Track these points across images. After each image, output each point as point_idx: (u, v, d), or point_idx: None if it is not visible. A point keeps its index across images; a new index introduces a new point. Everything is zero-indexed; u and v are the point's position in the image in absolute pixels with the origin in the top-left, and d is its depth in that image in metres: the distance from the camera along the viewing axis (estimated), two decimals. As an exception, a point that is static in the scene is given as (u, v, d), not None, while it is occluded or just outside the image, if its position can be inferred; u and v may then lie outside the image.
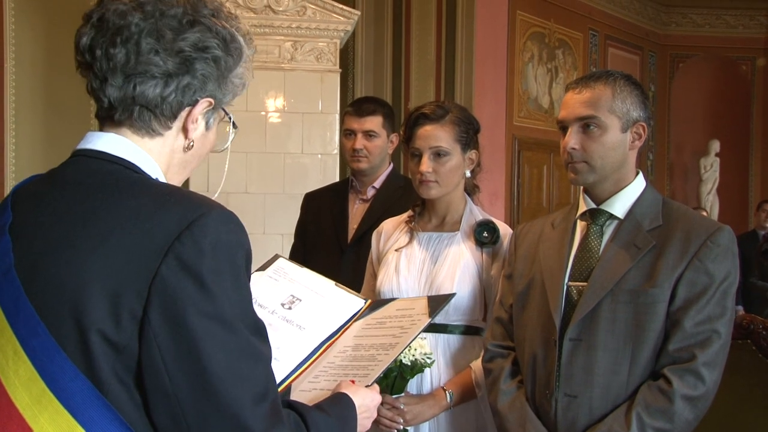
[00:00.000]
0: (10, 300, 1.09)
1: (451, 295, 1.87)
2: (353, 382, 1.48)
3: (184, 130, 1.23)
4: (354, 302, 1.79)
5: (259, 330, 1.14)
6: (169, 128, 1.21)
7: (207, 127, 1.26)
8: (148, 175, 1.19)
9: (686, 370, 1.81)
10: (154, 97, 1.17)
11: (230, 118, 1.30)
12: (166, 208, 1.09)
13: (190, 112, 1.21)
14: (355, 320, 1.75)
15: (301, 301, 1.73)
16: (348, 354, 1.64)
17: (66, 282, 1.07)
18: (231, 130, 1.32)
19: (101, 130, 1.22)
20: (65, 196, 1.14)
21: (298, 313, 1.70)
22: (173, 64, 1.17)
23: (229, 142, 1.34)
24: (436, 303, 1.77)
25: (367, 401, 1.43)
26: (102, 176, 1.15)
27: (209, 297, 1.07)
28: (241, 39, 1.25)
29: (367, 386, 1.48)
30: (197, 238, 1.07)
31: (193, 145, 1.24)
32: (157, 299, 1.05)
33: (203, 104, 1.22)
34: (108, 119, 1.21)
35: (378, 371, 1.55)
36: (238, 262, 1.11)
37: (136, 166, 1.18)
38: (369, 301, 1.82)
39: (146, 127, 1.20)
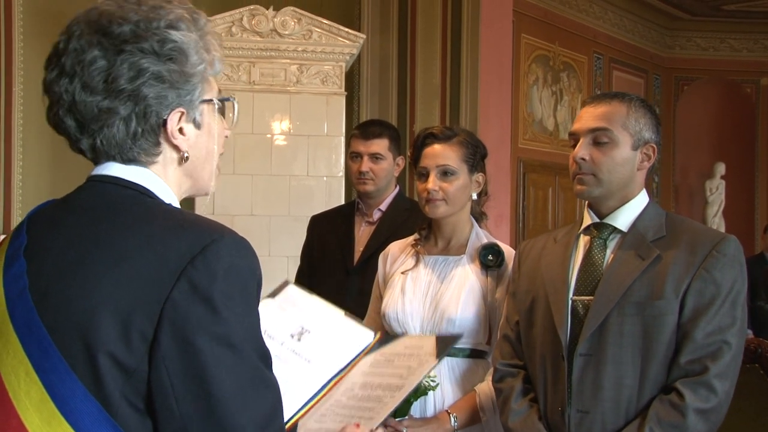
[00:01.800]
0: (24, 322, 1.09)
1: (458, 336, 1.88)
2: (358, 425, 1.46)
3: (173, 146, 1.21)
4: (364, 335, 1.75)
5: (265, 357, 1.14)
6: (159, 153, 1.20)
7: (198, 126, 1.22)
8: (161, 200, 1.19)
9: (698, 383, 1.81)
10: (122, 139, 1.16)
11: (217, 102, 1.25)
12: (179, 232, 1.10)
13: (164, 131, 1.19)
14: (365, 354, 1.72)
15: (309, 332, 1.70)
16: (355, 393, 1.61)
17: (77, 304, 1.07)
18: (235, 108, 1.30)
19: None
20: (79, 221, 1.15)
21: (306, 346, 1.66)
22: (120, 104, 1.14)
23: (235, 119, 1.31)
24: (444, 344, 1.76)
25: None
26: (115, 201, 1.16)
27: (220, 321, 1.07)
28: (175, 33, 1.17)
29: (371, 430, 1.46)
30: (210, 262, 1.07)
31: (188, 156, 1.22)
32: (168, 322, 1.05)
33: (174, 118, 1.19)
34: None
35: (383, 414, 1.53)
36: (250, 288, 1.12)
37: (150, 191, 1.18)
38: (379, 334, 1.79)
39: (137, 161, 1.19)
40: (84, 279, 1.08)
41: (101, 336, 1.05)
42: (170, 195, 1.22)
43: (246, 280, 1.11)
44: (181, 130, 1.20)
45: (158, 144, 1.20)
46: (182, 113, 1.19)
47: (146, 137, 1.18)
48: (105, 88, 1.14)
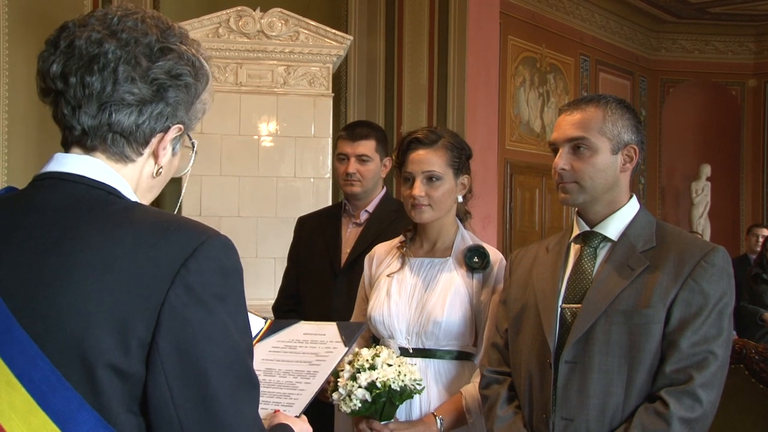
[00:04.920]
0: (0, 329, 1.06)
1: (362, 325, 1.87)
2: (277, 411, 1.45)
3: (155, 155, 1.23)
4: (255, 322, 1.73)
5: (251, 354, 1.16)
6: (141, 154, 1.21)
7: (173, 152, 1.26)
8: (131, 200, 1.18)
9: (683, 392, 1.80)
10: (129, 124, 1.17)
11: (194, 144, 1.30)
12: (167, 235, 1.10)
13: (162, 138, 1.21)
14: (257, 341, 1.71)
15: None
16: (261, 379, 1.62)
17: (68, 312, 1.05)
18: (192, 155, 1.32)
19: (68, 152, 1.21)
20: (50, 223, 1.12)
21: None
22: (148, 91, 1.16)
23: (190, 165, 1.33)
24: (350, 331, 1.74)
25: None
26: (87, 202, 1.14)
27: (217, 323, 1.08)
28: (206, 64, 1.25)
29: (296, 416, 1.45)
30: (203, 264, 1.08)
31: (161, 171, 1.24)
32: (167, 326, 1.05)
33: (174, 130, 1.22)
34: (77, 144, 1.20)
35: (303, 401, 1.52)
36: (238, 287, 1.13)
37: (118, 191, 1.17)
38: (269, 321, 1.78)
39: (119, 153, 1.19)
40: (75, 286, 1.06)
41: (98, 345, 1.04)
42: (133, 197, 1.20)
43: (235, 280, 1.13)
44: (166, 146, 1.23)
45: (146, 145, 1.20)
46: (180, 130, 1.23)
47: (144, 133, 1.19)
48: (147, 68, 1.16)
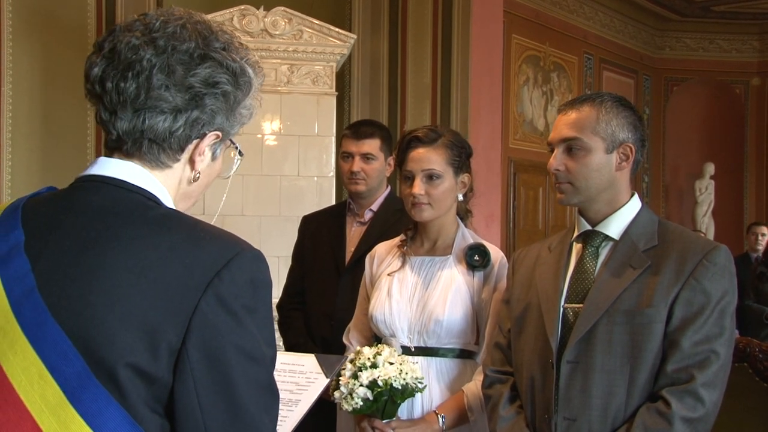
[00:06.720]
0: (35, 323, 1.08)
1: (342, 358, 1.93)
2: None
3: (191, 162, 1.24)
4: None
5: (275, 366, 1.18)
6: (177, 161, 1.22)
7: (213, 157, 1.27)
8: (167, 207, 1.20)
9: (685, 392, 1.80)
10: (162, 131, 1.18)
11: (237, 147, 1.31)
12: (202, 244, 1.12)
13: (197, 145, 1.22)
14: None
15: None
16: None
17: (100, 311, 1.07)
18: (236, 158, 1.34)
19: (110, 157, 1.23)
20: (89, 223, 1.14)
21: None
22: (183, 99, 1.17)
23: (233, 169, 1.35)
24: (330, 363, 1.79)
25: None
26: (128, 206, 1.16)
27: (246, 334, 1.11)
28: (250, 71, 1.26)
29: None
30: (235, 276, 1.11)
31: (199, 177, 1.26)
32: (197, 334, 1.07)
33: (211, 137, 1.23)
34: (117, 150, 1.21)
35: (287, 428, 1.55)
36: (267, 299, 1.16)
37: (156, 197, 1.19)
38: None
39: (155, 159, 1.20)
40: (108, 287, 1.08)
41: (121, 346, 1.06)
42: (171, 203, 1.23)
43: (266, 293, 1.15)
44: (203, 152, 1.24)
45: (182, 151, 1.22)
46: (218, 136, 1.24)
47: (179, 140, 1.20)
48: (182, 76, 1.17)
